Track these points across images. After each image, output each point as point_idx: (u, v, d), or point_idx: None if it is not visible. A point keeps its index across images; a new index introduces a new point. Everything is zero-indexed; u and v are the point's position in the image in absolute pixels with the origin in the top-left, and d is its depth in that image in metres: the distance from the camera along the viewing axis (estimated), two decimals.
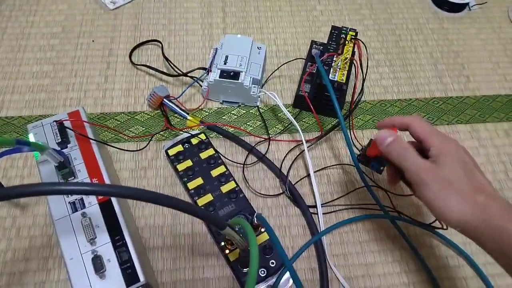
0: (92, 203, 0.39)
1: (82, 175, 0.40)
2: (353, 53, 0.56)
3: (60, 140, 0.41)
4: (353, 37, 0.58)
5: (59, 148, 0.42)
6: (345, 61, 0.55)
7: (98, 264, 0.35)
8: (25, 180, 0.51)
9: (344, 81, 0.54)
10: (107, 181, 0.40)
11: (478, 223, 0.34)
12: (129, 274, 0.35)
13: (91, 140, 0.43)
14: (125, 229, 0.37)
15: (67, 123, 0.43)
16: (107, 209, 0.38)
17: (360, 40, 0.56)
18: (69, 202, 0.38)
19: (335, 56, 0.56)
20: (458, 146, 0.39)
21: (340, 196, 0.53)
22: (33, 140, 0.40)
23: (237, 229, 0.36)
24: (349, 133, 0.52)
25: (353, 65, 0.55)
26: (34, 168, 0.52)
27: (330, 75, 0.54)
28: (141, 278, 0.35)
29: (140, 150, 0.54)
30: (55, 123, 0.42)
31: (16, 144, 0.31)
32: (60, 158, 0.38)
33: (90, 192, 0.24)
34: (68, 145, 0.42)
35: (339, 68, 0.55)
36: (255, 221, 0.43)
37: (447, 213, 0.35)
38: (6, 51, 0.63)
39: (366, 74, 0.55)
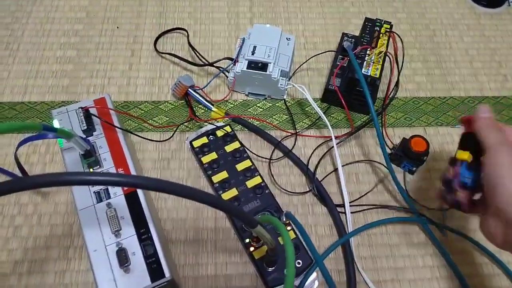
0: (117, 194, 0.37)
1: (108, 164, 0.39)
2: (387, 46, 0.53)
3: (86, 128, 0.40)
4: (388, 30, 0.56)
5: (84, 136, 0.40)
6: (379, 55, 0.53)
7: (122, 257, 0.34)
8: (47, 167, 0.50)
9: (377, 76, 0.52)
10: (132, 171, 0.39)
11: None
12: (154, 269, 0.34)
13: (117, 129, 0.41)
14: (150, 222, 0.36)
15: (93, 110, 0.41)
16: (132, 201, 0.37)
17: (396, 33, 0.54)
18: (94, 192, 0.37)
19: (368, 49, 0.54)
20: None
21: (366, 193, 0.51)
22: (57, 126, 0.39)
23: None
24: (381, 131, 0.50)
25: (386, 59, 0.53)
26: (56, 154, 0.51)
27: (363, 69, 0.52)
28: (167, 273, 0.34)
29: (165, 140, 0.53)
30: (80, 109, 0.41)
31: (43, 129, 0.29)
32: (87, 146, 0.36)
33: (127, 184, 0.22)
34: (93, 133, 0.41)
35: (373, 62, 0.53)
36: (283, 219, 0.41)
37: None
38: (31, 35, 0.62)
39: (401, 69, 0.53)
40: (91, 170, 0.38)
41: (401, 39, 0.54)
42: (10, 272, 0.44)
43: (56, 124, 0.41)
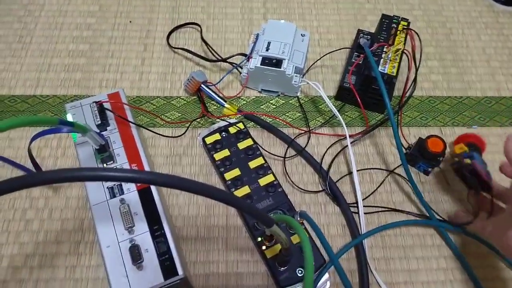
0: (130, 190, 0.37)
1: (121, 159, 0.39)
2: (405, 44, 0.52)
3: (100, 122, 0.40)
4: (405, 27, 0.55)
5: (98, 131, 0.40)
6: (396, 53, 0.52)
7: (135, 254, 0.33)
8: (58, 161, 0.50)
9: (394, 74, 0.51)
10: (146, 167, 0.38)
11: None
12: (167, 267, 0.33)
13: (130, 124, 0.41)
14: (164, 219, 0.36)
15: (107, 105, 0.41)
16: (146, 197, 0.36)
17: (414, 31, 0.53)
18: (107, 187, 0.37)
19: (385, 46, 0.53)
20: None
21: (374, 191, 0.50)
22: (71, 120, 0.39)
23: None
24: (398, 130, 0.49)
25: (403, 57, 0.52)
26: (68, 148, 0.51)
27: (379, 66, 0.51)
28: (180, 271, 0.33)
29: (178, 136, 0.52)
30: (94, 104, 0.41)
31: (59, 124, 0.29)
32: (101, 141, 0.36)
33: (150, 181, 0.21)
34: (107, 128, 0.40)
35: (390, 60, 0.52)
36: (297, 219, 0.40)
37: None
38: (43, 28, 0.62)
39: (418, 67, 0.52)
40: (105, 165, 0.38)
41: (419, 37, 0.53)
42: (21, 265, 0.44)
43: (69, 118, 0.41)
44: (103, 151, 0.37)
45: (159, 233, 0.35)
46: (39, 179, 0.22)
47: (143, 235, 0.35)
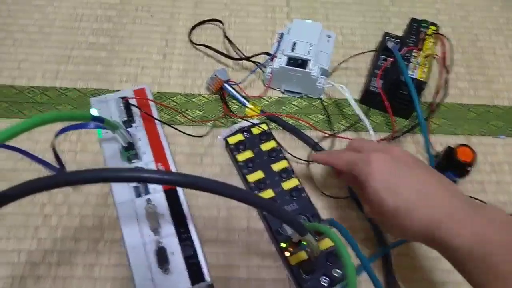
0: (156, 190, 0.36)
1: (147, 158, 0.37)
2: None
3: (126, 119, 0.39)
4: (434, 31, 0.53)
5: (124, 127, 0.39)
6: (426, 58, 0.51)
7: (162, 257, 0.32)
8: (78, 156, 0.49)
9: (424, 79, 0.49)
10: (172, 166, 0.37)
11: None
12: (194, 272, 0.32)
13: (155, 121, 0.40)
14: (190, 221, 0.35)
15: (133, 101, 0.40)
16: (172, 198, 0.35)
17: (444, 36, 0.51)
18: (132, 186, 0.36)
19: (414, 51, 0.51)
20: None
21: None
22: (96, 115, 0.38)
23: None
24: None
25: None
26: (88, 144, 0.49)
27: (408, 71, 0.50)
28: (207, 277, 0.32)
29: (201, 136, 0.51)
30: (121, 99, 0.40)
31: (91, 120, 0.28)
32: (130, 139, 0.35)
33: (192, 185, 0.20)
34: (133, 125, 0.39)
35: (419, 65, 0.50)
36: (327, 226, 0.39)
37: None
38: (64, 19, 0.61)
39: (449, 74, 0.50)
40: (130, 163, 0.37)
41: (449, 42, 0.52)
42: (39, 261, 0.43)
43: (94, 112, 0.40)
44: (130, 148, 0.36)
45: (185, 236, 0.34)
46: (78, 178, 0.21)
47: (169, 237, 0.34)
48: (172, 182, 0.21)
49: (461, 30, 0.65)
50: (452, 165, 0.48)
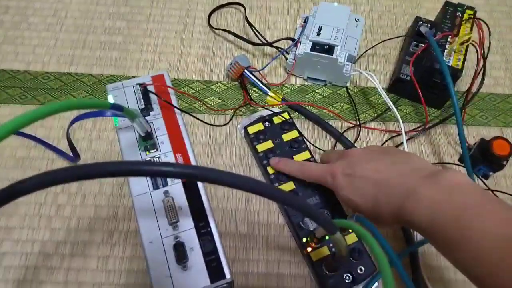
0: (175, 181, 0.34)
1: (165, 148, 0.35)
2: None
3: (143, 106, 0.37)
4: (471, 16, 0.50)
5: (142, 116, 0.37)
6: (462, 44, 0.47)
7: (180, 253, 0.30)
8: (93, 144, 0.47)
9: (460, 67, 0.46)
10: (191, 157, 0.35)
11: None
12: (213, 268, 0.30)
13: (175, 109, 0.37)
14: (210, 215, 0.33)
15: (151, 88, 0.38)
16: (191, 190, 0.33)
17: (483, 21, 0.48)
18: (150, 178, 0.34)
19: (450, 36, 0.48)
20: None
21: None
22: (112, 102, 0.36)
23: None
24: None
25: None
26: (103, 131, 0.48)
27: (443, 58, 0.46)
28: (227, 274, 0.30)
29: (223, 125, 0.49)
30: (138, 86, 0.38)
31: (111, 108, 0.26)
32: (148, 128, 0.33)
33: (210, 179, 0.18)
34: (151, 113, 0.37)
35: (454, 52, 0.47)
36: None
37: None
38: (79, 2, 0.59)
39: (485, 61, 0.47)
40: (148, 153, 0.35)
41: (488, 28, 0.48)
42: (53, 252, 0.41)
43: (110, 99, 0.38)
44: (148, 138, 0.34)
45: (205, 231, 0.32)
46: (100, 170, 0.19)
47: (188, 231, 0.32)
48: (193, 176, 0.19)
49: (498, 15, 0.61)
50: (487, 158, 0.45)
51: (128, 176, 0.18)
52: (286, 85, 0.53)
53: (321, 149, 0.48)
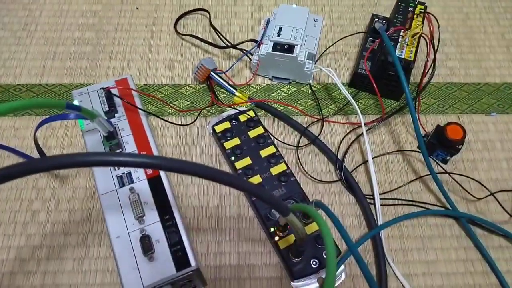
0: (140, 178, 0.35)
1: (130, 147, 0.37)
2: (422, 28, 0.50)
3: (107, 109, 0.38)
4: (422, 10, 0.53)
5: (106, 118, 0.38)
6: (413, 37, 0.50)
7: (146, 245, 0.32)
8: (65, 150, 0.49)
9: (412, 59, 0.49)
10: (155, 154, 0.37)
11: None
12: (179, 258, 0.32)
13: (139, 111, 0.39)
14: (175, 208, 0.34)
15: (115, 91, 0.39)
16: (156, 186, 0.35)
17: (432, 15, 0.51)
18: (116, 176, 0.35)
19: (402, 30, 0.51)
20: None
21: (401, 186, 0.48)
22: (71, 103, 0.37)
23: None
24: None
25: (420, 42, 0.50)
26: (75, 138, 0.49)
27: (396, 51, 0.49)
28: (192, 262, 0.32)
29: (188, 125, 0.51)
30: (102, 90, 0.39)
31: (66, 108, 0.28)
32: (110, 128, 0.35)
33: (156, 166, 0.20)
34: (115, 115, 0.39)
35: (407, 45, 0.50)
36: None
37: None
38: (48, 15, 0.61)
39: (436, 53, 0.50)
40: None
41: (437, 21, 0.51)
42: (29, 257, 0.42)
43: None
44: (112, 138, 0.36)
45: (170, 223, 0.33)
46: (46, 164, 0.20)
47: (154, 225, 0.33)
48: (149, 165, 0.21)
49: (451, 10, 0.64)
50: (442, 143, 0.47)
51: (75, 168, 0.20)
52: (252, 85, 0.55)
53: (286, 143, 0.50)
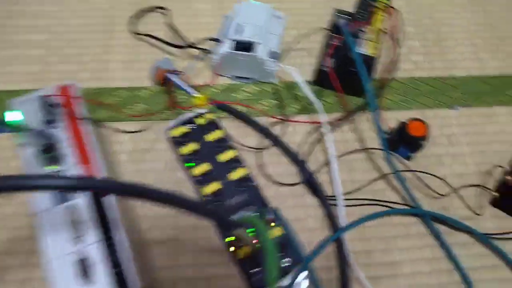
0: (80, 195, 0.33)
1: (70, 160, 0.35)
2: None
3: (47, 119, 0.36)
4: (384, 4, 0.51)
5: (44, 129, 0.36)
6: (376, 32, 0.49)
7: (84, 268, 0.30)
8: (10, 163, 0.46)
9: (375, 55, 0.47)
10: (99, 167, 0.35)
11: None
12: (120, 281, 0.30)
13: (84, 120, 0.37)
14: (117, 226, 0.32)
15: (56, 99, 0.37)
16: (96, 203, 0.33)
17: (394, 8, 0.49)
18: (52, 192, 0.33)
19: (364, 26, 0.49)
20: None
21: (365, 185, 0.47)
22: (20, 118, 0.34)
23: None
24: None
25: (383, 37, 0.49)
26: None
27: (359, 47, 0.48)
28: (136, 284, 0.30)
29: (138, 132, 0.48)
30: (42, 98, 0.37)
31: None
32: (45, 141, 0.32)
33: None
34: (55, 125, 0.36)
35: (370, 41, 0.48)
36: (271, 216, 0.37)
37: None
38: None
39: (399, 47, 0.48)
40: (49, 168, 0.34)
41: (399, 14, 0.50)
42: None
43: (17, 115, 0.36)
44: (49, 151, 0.33)
45: (110, 242, 0.31)
46: None
47: (93, 245, 0.31)
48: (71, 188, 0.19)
49: (415, 3, 0.63)
50: (405, 140, 0.46)
51: None
52: (213, 86, 0.53)
53: (246, 146, 0.48)
